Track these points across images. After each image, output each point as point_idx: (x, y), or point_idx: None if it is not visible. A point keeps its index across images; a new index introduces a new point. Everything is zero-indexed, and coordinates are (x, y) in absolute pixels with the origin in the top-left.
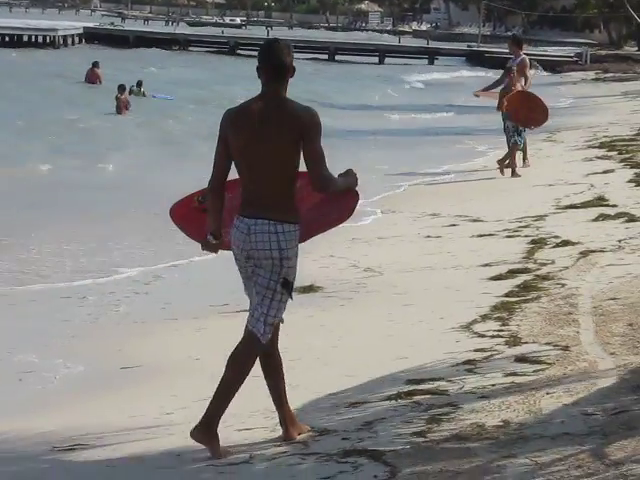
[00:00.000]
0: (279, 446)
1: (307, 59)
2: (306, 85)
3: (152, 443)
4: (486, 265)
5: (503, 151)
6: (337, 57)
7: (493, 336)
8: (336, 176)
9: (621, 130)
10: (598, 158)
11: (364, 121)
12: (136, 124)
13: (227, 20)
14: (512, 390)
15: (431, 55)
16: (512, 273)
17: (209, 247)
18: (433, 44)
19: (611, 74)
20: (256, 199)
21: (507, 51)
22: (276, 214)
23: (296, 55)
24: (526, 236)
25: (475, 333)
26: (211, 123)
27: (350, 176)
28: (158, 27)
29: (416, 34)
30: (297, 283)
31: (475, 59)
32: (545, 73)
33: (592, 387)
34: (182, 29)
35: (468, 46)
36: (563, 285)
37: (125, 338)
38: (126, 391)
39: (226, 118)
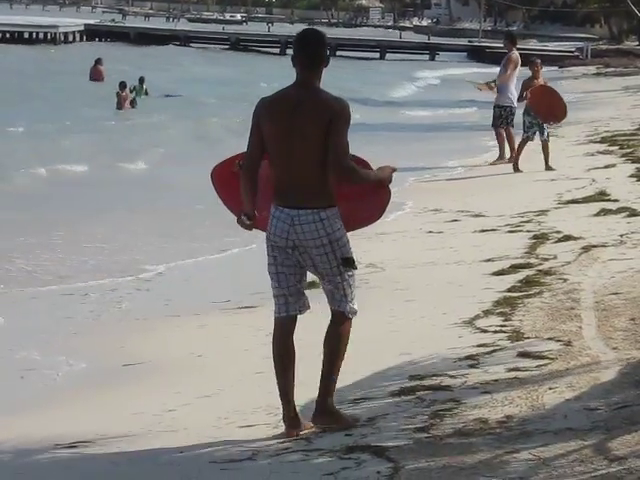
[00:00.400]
0: (282, 442)
1: None
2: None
3: (154, 440)
4: (488, 260)
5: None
6: (338, 52)
7: (496, 331)
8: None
9: (622, 125)
10: (599, 153)
11: (383, 116)
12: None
13: (228, 16)
14: (515, 385)
15: (432, 51)
16: (514, 268)
17: (243, 225)
18: (434, 39)
19: (612, 69)
20: (294, 188)
21: None
22: (317, 202)
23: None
24: (528, 231)
25: (478, 328)
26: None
27: (383, 171)
28: (159, 24)
29: (417, 30)
30: None
31: (476, 54)
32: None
33: (595, 382)
34: (183, 25)
35: (469, 41)
36: (565, 280)
37: (127, 335)
38: (128, 388)
39: (260, 106)
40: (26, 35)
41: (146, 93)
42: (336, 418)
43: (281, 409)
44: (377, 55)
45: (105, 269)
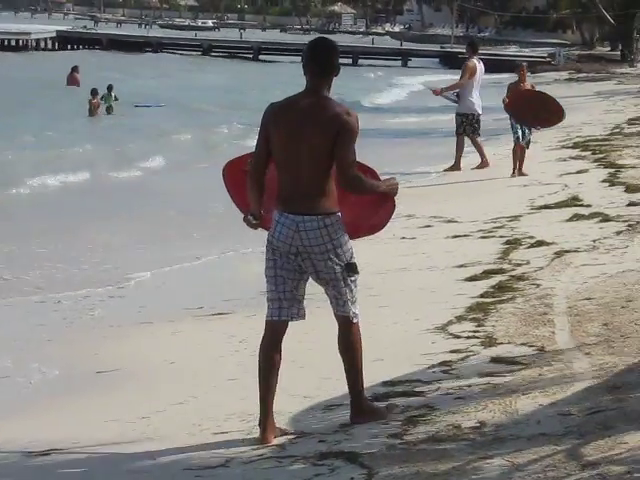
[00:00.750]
0: (256, 449)
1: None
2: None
3: (128, 447)
4: (461, 266)
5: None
6: None
7: (469, 337)
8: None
9: (594, 130)
10: (572, 158)
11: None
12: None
13: (199, 23)
14: (488, 391)
15: (405, 56)
16: (487, 274)
17: (249, 224)
18: (406, 45)
19: (584, 74)
20: (299, 195)
21: (480, 52)
22: (321, 208)
23: (270, 57)
24: (501, 237)
25: (450, 334)
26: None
27: (389, 182)
28: (131, 30)
29: (391, 36)
30: None
31: (448, 60)
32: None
33: (568, 387)
34: (155, 32)
35: (441, 47)
36: (538, 285)
37: (100, 342)
38: (101, 395)
39: (269, 111)
40: None
41: (116, 99)
42: (375, 415)
43: (257, 414)
44: (350, 61)
45: (79, 277)
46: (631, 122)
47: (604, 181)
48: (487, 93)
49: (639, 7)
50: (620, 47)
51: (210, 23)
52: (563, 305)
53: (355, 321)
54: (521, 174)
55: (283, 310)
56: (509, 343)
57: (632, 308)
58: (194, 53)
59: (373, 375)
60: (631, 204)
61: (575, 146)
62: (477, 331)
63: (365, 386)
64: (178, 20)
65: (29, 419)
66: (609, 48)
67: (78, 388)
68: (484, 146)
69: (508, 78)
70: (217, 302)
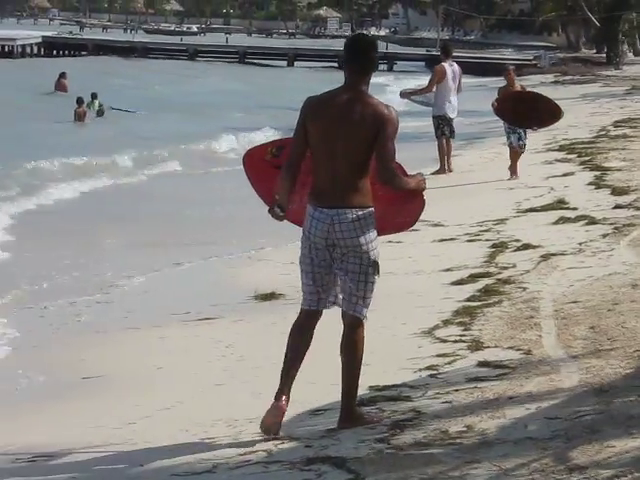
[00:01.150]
0: (242, 455)
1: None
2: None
3: (115, 453)
4: (447, 270)
5: (470, 156)
6: (296, 63)
7: (455, 341)
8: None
9: (580, 133)
10: (558, 161)
11: None
12: None
13: (184, 28)
14: (475, 395)
15: (390, 60)
16: (473, 277)
17: (275, 216)
18: (392, 49)
19: (570, 77)
20: (334, 188)
21: (466, 55)
22: (356, 202)
23: (256, 60)
24: (487, 240)
25: (437, 338)
26: None
27: (417, 178)
28: (116, 35)
29: (378, 39)
30: (258, 290)
31: (435, 64)
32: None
33: (555, 391)
34: (140, 37)
35: (427, 51)
36: (524, 289)
37: (86, 348)
38: (88, 401)
39: (307, 105)
40: None
41: (100, 106)
42: (362, 421)
43: (243, 419)
44: (335, 64)
45: (68, 283)
46: (617, 124)
47: (590, 184)
48: (472, 96)
49: (624, 9)
50: (605, 49)
51: (195, 28)
52: (550, 308)
53: (363, 323)
54: (513, 176)
55: (321, 301)
56: (496, 347)
57: (618, 311)
58: (180, 58)
59: (360, 380)
60: (617, 207)
61: (561, 149)
62: (464, 335)
63: None
64: (164, 25)
65: (14, 425)
66: (595, 50)
67: (64, 394)
68: (452, 154)
69: (493, 81)
70: (204, 307)
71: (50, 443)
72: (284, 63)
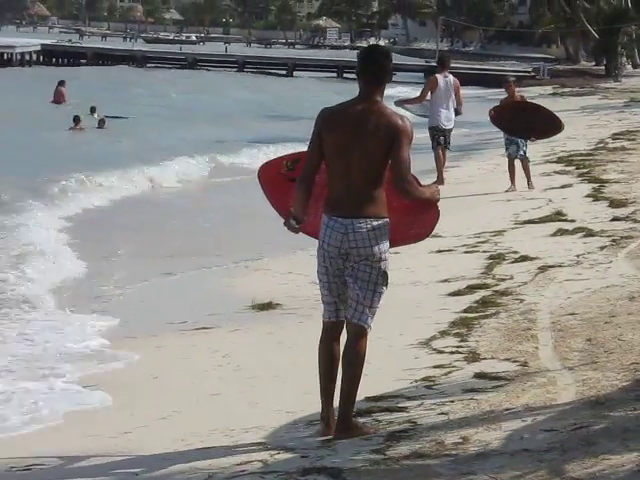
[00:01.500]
0: (238, 465)
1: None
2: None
3: (110, 462)
4: (445, 281)
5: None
6: (295, 73)
7: (452, 352)
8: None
9: (579, 145)
10: (556, 173)
11: None
12: None
13: (183, 37)
14: (471, 406)
15: None
16: (471, 289)
17: (291, 228)
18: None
19: (568, 89)
20: (349, 199)
21: (465, 66)
22: (370, 211)
23: (255, 70)
24: (484, 251)
25: (434, 349)
26: None
27: (432, 188)
28: (116, 44)
29: None
30: (256, 300)
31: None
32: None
33: (551, 403)
34: (140, 46)
35: (426, 61)
36: (522, 301)
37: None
38: (84, 410)
39: (321, 117)
40: None
41: (100, 119)
42: (358, 432)
43: (241, 428)
44: (334, 75)
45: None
46: (615, 137)
47: (588, 196)
48: (471, 108)
49: (623, 22)
50: (604, 62)
51: (193, 37)
52: (547, 320)
53: (367, 333)
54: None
55: (340, 312)
56: (492, 358)
57: (615, 324)
58: (179, 67)
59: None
60: (615, 219)
61: (559, 161)
62: (460, 346)
63: None
64: (163, 34)
65: (10, 434)
66: (594, 63)
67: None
68: (446, 165)
69: (491, 93)
70: (201, 316)
71: (46, 452)
72: (283, 72)
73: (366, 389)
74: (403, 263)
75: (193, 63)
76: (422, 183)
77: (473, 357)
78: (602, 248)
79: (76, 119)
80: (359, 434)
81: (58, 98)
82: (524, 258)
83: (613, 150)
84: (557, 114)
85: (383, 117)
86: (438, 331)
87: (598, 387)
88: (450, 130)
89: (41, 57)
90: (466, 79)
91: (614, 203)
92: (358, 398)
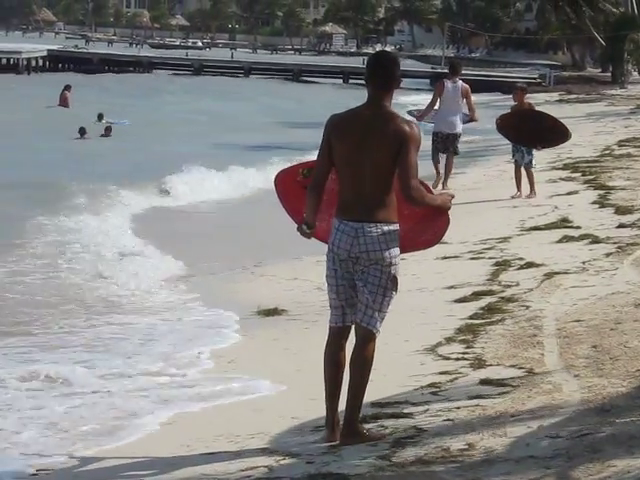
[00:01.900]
0: (243, 471)
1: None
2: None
3: (115, 468)
4: (451, 287)
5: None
6: (302, 78)
7: (458, 359)
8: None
9: (585, 151)
10: (562, 179)
11: None
12: None
13: (189, 43)
14: (477, 413)
15: None
16: (476, 295)
17: (303, 234)
18: None
19: (575, 95)
20: (360, 203)
21: (471, 73)
22: (380, 216)
23: (261, 76)
24: (490, 258)
25: (440, 356)
26: None
27: (443, 197)
28: (122, 49)
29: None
30: (261, 306)
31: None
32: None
33: (557, 410)
34: (146, 51)
35: (432, 68)
36: (527, 307)
37: None
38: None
39: (330, 123)
40: None
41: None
42: (364, 437)
43: (246, 435)
44: (340, 81)
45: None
46: (621, 144)
47: (594, 203)
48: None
49: (629, 29)
50: (611, 69)
51: (200, 43)
52: (552, 327)
53: (375, 338)
54: (530, 195)
55: (346, 316)
56: (498, 365)
57: (621, 330)
58: (185, 73)
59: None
60: (621, 226)
61: (565, 167)
62: (466, 353)
63: None
64: (169, 40)
65: (15, 438)
66: (600, 69)
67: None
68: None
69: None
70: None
71: (51, 457)
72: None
73: (372, 395)
74: (409, 269)
75: (199, 69)
76: (433, 191)
77: (479, 363)
78: (608, 255)
79: (82, 131)
80: (365, 440)
81: (63, 102)
82: (530, 265)
83: (619, 157)
84: (563, 121)
85: (391, 123)
86: (444, 337)
87: (604, 394)
88: (456, 135)
89: (47, 63)
90: (472, 85)
91: (620, 210)
92: (364, 404)
